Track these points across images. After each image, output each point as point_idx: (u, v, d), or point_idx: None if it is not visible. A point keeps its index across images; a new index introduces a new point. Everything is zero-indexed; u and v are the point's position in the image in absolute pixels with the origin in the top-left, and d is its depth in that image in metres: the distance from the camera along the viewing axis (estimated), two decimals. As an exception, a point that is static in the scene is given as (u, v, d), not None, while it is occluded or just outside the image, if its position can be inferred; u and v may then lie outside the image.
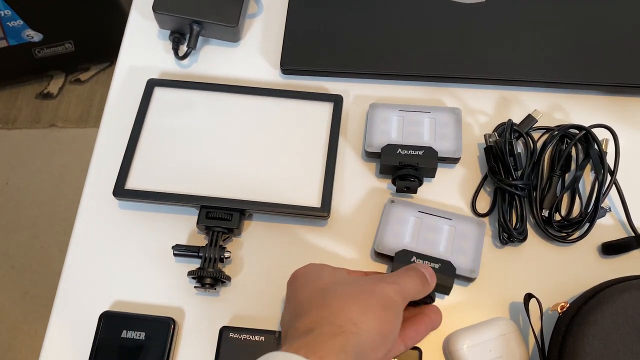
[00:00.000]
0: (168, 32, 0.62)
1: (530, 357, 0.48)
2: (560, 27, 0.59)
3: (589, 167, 0.55)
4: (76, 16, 1.41)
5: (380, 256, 0.51)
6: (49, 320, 0.52)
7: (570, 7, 0.60)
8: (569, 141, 0.54)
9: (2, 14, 1.31)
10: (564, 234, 0.52)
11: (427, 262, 0.48)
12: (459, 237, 0.50)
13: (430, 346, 0.49)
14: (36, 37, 1.39)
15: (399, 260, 0.49)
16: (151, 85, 0.58)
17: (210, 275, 0.50)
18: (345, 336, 0.37)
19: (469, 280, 0.50)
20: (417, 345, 0.48)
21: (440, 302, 0.51)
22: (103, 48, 1.52)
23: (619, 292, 0.45)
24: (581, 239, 0.52)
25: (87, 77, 1.57)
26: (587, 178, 0.55)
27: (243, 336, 0.49)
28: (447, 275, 0.48)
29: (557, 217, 0.53)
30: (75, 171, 1.44)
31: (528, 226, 0.53)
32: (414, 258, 0.49)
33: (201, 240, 0.53)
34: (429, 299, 0.46)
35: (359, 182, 0.56)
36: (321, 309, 0.39)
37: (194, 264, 0.52)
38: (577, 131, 0.54)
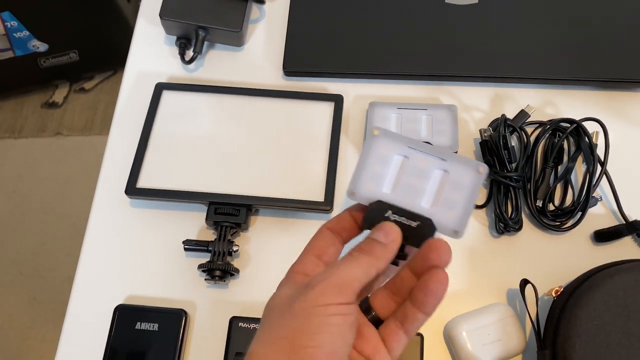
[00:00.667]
0: (174, 37, 0.65)
1: (527, 340, 0.50)
2: (551, 25, 0.62)
3: (580, 158, 0.57)
4: (81, 26, 1.43)
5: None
6: (58, 313, 0.54)
7: (559, 6, 0.63)
8: (560, 134, 0.57)
9: (9, 26, 1.34)
10: (557, 223, 0.54)
11: (404, 218, 0.38)
12: (450, 186, 0.39)
13: (431, 332, 0.51)
14: (42, 47, 1.42)
15: (372, 215, 0.39)
16: (159, 88, 0.61)
17: (219, 267, 0.52)
18: None
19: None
20: (419, 331, 0.51)
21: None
22: (107, 57, 1.55)
23: (609, 276, 0.47)
24: (574, 227, 0.54)
25: (91, 85, 1.60)
26: (579, 169, 0.57)
27: (252, 325, 0.51)
28: (419, 238, 0.38)
29: (551, 207, 0.55)
30: (81, 178, 1.47)
31: (523, 216, 0.55)
32: (389, 213, 0.39)
33: (210, 236, 0.56)
34: (397, 263, 0.39)
35: (360, 178, 0.58)
36: (246, 356, 0.34)
37: (204, 258, 0.54)
38: (568, 125, 0.57)
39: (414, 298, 0.36)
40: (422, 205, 0.39)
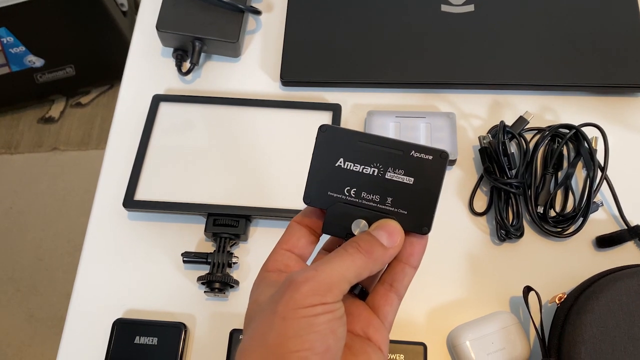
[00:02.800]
0: (171, 49, 0.65)
1: (532, 348, 0.50)
2: (548, 31, 0.62)
3: (580, 164, 0.57)
4: (76, 41, 1.44)
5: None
6: (56, 330, 0.53)
7: (556, 12, 0.63)
8: (560, 140, 0.57)
9: (5, 41, 1.34)
10: (559, 229, 0.54)
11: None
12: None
13: (434, 341, 0.51)
14: (38, 62, 1.42)
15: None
16: (157, 100, 0.61)
17: (219, 279, 0.51)
18: None
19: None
20: (422, 341, 0.50)
21: (443, 297, 0.53)
22: (103, 71, 1.55)
23: (612, 281, 0.46)
24: (576, 233, 0.54)
25: (87, 100, 1.60)
26: (580, 175, 0.57)
27: (253, 338, 0.50)
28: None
29: (552, 213, 0.55)
30: (78, 193, 1.46)
31: (524, 223, 0.55)
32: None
33: (209, 247, 0.55)
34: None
35: (359, 187, 0.58)
36: None
37: (204, 270, 0.54)
38: (567, 130, 0.56)
39: (399, 253, 0.35)
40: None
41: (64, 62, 1.46)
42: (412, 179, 0.35)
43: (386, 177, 0.35)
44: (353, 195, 0.35)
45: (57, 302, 1.35)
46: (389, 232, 0.34)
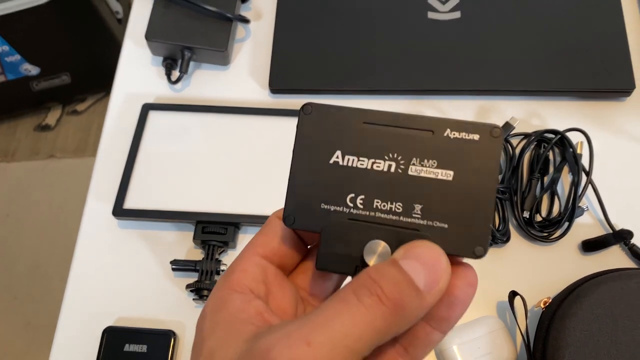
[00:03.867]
0: (161, 58, 0.65)
1: (518, 352, 0.50)
2: (533, 37, 0.63)
3: (566, 169, 0.58)
4: (72, 49, 1.44)
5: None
6: (53, 338, 0.54)
7: (541, 18, 0.63)
8: (546, 145, 0.57)
9: (0, 50, 1.35)
10: (545, 234, 0.54)
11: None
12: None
13: (422, 346, 0.51)
14: (34, 70, 1.43)
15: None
16: (146, 109, 0.61)
17: (207, 287, 0.52)
18: None
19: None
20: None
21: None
22: (99, 79, 1.55)
23: (596, 285, 0.47)
24: (562, 237, 0.54)
25: (83, 107, 1.60)
26: (566, 180, 0.58)
27: (241, 344, 0.51)
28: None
29: (538, 218, 0.55)
30: (75, 201, 1.46)
31: (511, 227, 0.55)
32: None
33: (198, 255, 0.55)
34: None
35: (347, 193, 0.58)
36: None
37: (192, 278, 0.54)
38: (552, 135, 0.57)
39: (430, 313, 0.22)
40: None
41: (60, 70, 1.47)
42: (452, 173, 0.24)
43: (409, 173, 0.24)
44: (360, 206, 0.24)
45: (53, 309, 1.34)
46: (428, 264, 0.21)
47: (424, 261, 0.21)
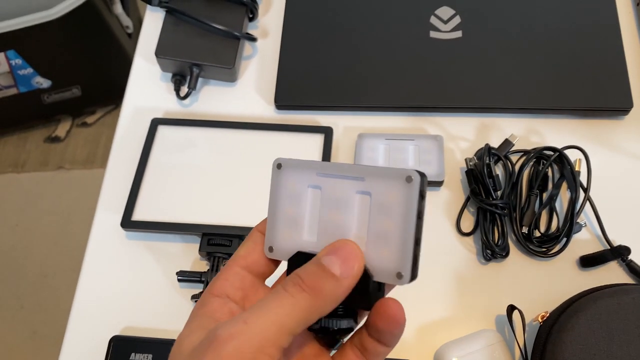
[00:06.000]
0: (170, 74, 0.67)
1: (516, 366, 0.51)
2: (533, 56, 0.64)
3: (564, 185, 0.59)
4: (83, 63, 1.47)
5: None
6: (60, 347, 0.55)
7: (541, 37, 0.65)
8: (544, 162, 0.58)
9: (13, 64, 1.37)
10: (543, 249, 0.55)
11: None
12: (377, 212, 0.28)
13: (421, 358, 0.52)
14: (45, 83, 1.45)
15: (292, 267, 0.30)
16: (155, 123, 0.63)
17: (212, 297, 0.53)
18: None
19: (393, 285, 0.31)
20: (408, 358, 0.51)
21: (430, 315, 0.54)
22: (108, 92, 1.58)
23: (593, 300, 0.48)
24: (560, 253, 0.55)
25: (93, 120, 1.63)
26: (564, 196, 0.59)
27: (244, 355, 0.52)
28: (360, 294, 0.28)
29: (537, 234, 0.56)
30: (83, 211, 1.48)
31: (510, 243, 0.56)
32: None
33: (204, 266, 0.57)
34: (340, 328, 0.29)
35: (350, 207, 0.59)
36: None
37: (198, 289, 0.55)
38: (551, 152, 0.58)
39: (370, 327, 0.28)
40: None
41: (71, 83, 1.49)
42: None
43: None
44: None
45: (60, 319, 1.35)
46: (344, 257, 0.26)
47: (339, 254, 0.27)
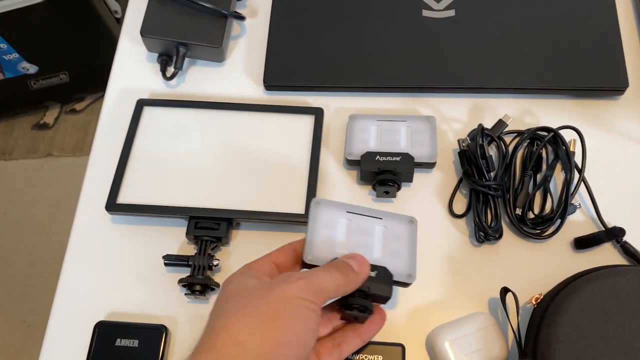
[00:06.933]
0: (156, 55, 0.65)
1: (509, 349, 0.50)
2: (527, 35, 0.63)
3: (559, 166, 0.58)
4: (70, 48, 1.44)
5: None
6: (45, 333, 0.54)
7: (536, 16, 0.64)
8: (539, 143, 0.57)
9: (-2, 48, 1.35)
10: (537, 231, 0.55)
11: None
12: (392, 239, 0.46)
13: (413, 342, 0.51)
14: (32, 69, 1.43)
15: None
16: (140, 105, 0.61)
17: (199, 282, 0.52)
18: None
19: (405, 285, 0.46)
20: (400, 342, 0.51)
21: (422, 298, 0.53)
22: (97, 78, 1.55)
23: (587, 282, 0.47)
24: (554, 234, 0.54)
25: (82, 106, 1.60)
26: (558, 177, 0.58)
27: (233, 339, 0.51)
28: (384, 284, 0.43)
29: (531, 215, 0.55)
30: (72, 199, 1.44)
31: (503, 225, 0.55)
32: None
33: (191, 250, 0.55)
34: (366, 310, 0.43)
35: (341, 189, 0.58)
36: (206, 332, 0.37)
37: (185, 273, 0.54)
38: (545, 133, 0.57)
39: (355, 327, 0.44)
40: (374, 256, 0.45)
41: (58, 69, 1.47)
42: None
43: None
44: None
45: (49, 307, 1.33)
46: (359, 262, 0.42)
47: (357, 259, 0.42)
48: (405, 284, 0.46)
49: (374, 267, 0.44)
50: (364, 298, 0.43)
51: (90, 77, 1.54)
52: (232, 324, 0.36)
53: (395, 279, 0.44)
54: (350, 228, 0.46)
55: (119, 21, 1.51)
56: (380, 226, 0.47)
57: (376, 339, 0.50)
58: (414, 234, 0.47)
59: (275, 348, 0.35)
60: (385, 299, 0.44)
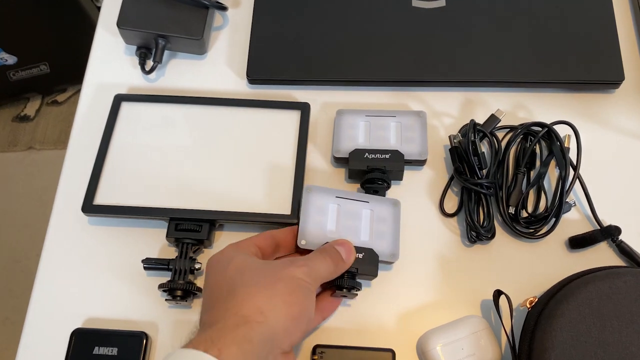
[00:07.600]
0: (134, 47, 0.62)
1: (503, 353, 0.49)
2: (520, 28, 0.61)
3: (553, 163, 0.56)
4: (50, 38, 1.40)
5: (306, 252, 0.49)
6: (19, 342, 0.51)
7: (528, 8, 0.62)
8: (532, 139, 0.55)
9: (-25, 39, 1.31)
10: (531, 230, 0.53)
11: None
12: (378, 221, 0.50)
13: (404, 347, 0.49)
14: (10, 60, 1.39)
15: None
16: (118, 100, 0.58)
17: (180, 287, 0.49)
18: (250, 326, 0.38)
19: (389, 263, 0.51)
20: (390, 347, 0.49)
21: (413, 301, 0.51)
22: (79, 69, 1.49)
23: (583, 284, 0.45)
24: (548, 234, 0.52)
25: (64, 98, 1.57)
26: (552, 174, 0.56)
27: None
28: (371, 265, 0.48)
29: (524, 214, 0.54)
30: (55, 193, 1.43)
31: (496, 224, 0.53)
32: None
33: (172, 253, 0.53)
34: (353, 285, 0.48)
35: (328, 188, 0.56)
36: (226, 300, 0.40)
37: (165, 277, 0.52)
38: (539, 128, 0.55)
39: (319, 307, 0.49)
40: (362, 239, 0.50)
41: (38, 60, 1.43)
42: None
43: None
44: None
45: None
46: (346, 249, 0.47)
47: (345, 247, 0.47)
48: (389, 263, 0.51)
49: (361, 250, 0.48)
50: (352, 279, 0.47)
51: (72, 67, 1.50)
52: (254, 293, 0.40)
53: (380, 259, 0.49)
54: (340, 213, 0.50)
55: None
56: (367, 209, 0.51)
57: (365, 344, 0.49)
58: (397, 216, 0.51)
59: (292, 321, 0.40)
60: (372, 278, 0.50)
